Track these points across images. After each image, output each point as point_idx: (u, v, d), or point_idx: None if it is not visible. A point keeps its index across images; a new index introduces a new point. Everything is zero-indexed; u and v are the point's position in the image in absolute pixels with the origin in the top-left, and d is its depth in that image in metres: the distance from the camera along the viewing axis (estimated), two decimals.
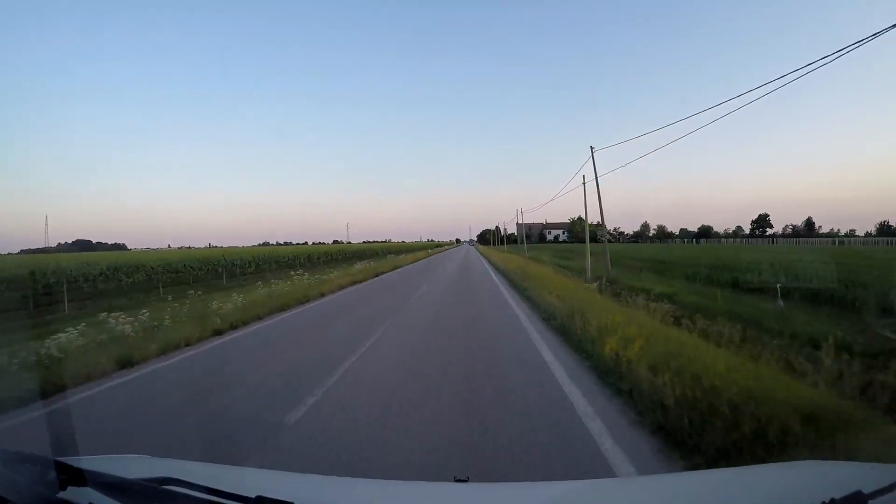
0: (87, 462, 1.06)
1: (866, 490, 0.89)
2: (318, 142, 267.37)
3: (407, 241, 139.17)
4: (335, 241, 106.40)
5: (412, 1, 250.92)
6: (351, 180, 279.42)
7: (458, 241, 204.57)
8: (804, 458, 2.31)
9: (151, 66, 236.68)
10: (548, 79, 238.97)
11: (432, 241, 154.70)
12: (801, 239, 67.84)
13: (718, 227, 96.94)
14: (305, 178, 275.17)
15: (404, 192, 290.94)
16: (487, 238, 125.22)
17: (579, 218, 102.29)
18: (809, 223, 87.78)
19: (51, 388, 4.91)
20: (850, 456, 2.32)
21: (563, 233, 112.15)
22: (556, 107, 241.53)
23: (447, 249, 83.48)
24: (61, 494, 0.86)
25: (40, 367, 5.58)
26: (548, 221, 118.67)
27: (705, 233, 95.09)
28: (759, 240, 76.38)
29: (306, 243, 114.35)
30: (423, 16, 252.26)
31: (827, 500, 0.85)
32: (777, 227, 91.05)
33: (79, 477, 0.90)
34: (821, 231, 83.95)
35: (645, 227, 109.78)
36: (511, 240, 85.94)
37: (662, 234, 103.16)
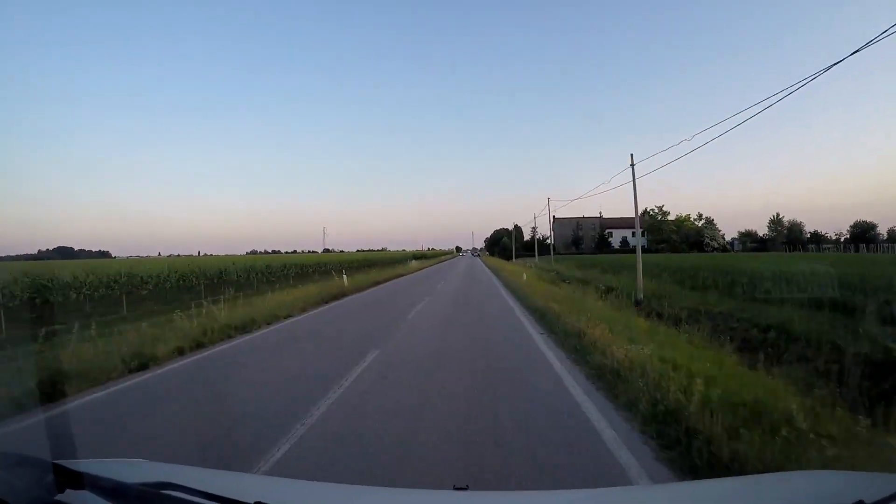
0: (86, 465, 1.05)
1: (868, 500, 0.91)
2: (311, 149, 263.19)
3: (408, 249, 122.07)
4: (326, 250, 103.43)
5: (410, 4, 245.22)
6: (346, 188, 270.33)
7: (458, 249, 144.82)
8: (807, 468, 2.35)
9: (142, 72, 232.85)
10: (574, 56, 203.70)
11: (432, 249, 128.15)
12: None
13: (882, 226, 61.53)
14: (297, 186, 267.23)
15: (403, 198, 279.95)
16: (505, 244, 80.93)
17: (647, 211, 65.31)
18: None
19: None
20: None
21: (634, 234, 61.86)
22: (582, 92, 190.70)
23: (430, 265, 46.95)
24: (59, 497, 0.86)
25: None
26: (604, 216, 79.00)
27: (863, 234, 61.99)
28: None
29: (295, 252, 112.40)
30: (420, 18, 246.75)
31: None
32: None
33: (76, 480, 0.90)
34: None
35: (776, 225, 69.62)
36: (543, 247, 52.73)
37: (798, 238, 66.41)
